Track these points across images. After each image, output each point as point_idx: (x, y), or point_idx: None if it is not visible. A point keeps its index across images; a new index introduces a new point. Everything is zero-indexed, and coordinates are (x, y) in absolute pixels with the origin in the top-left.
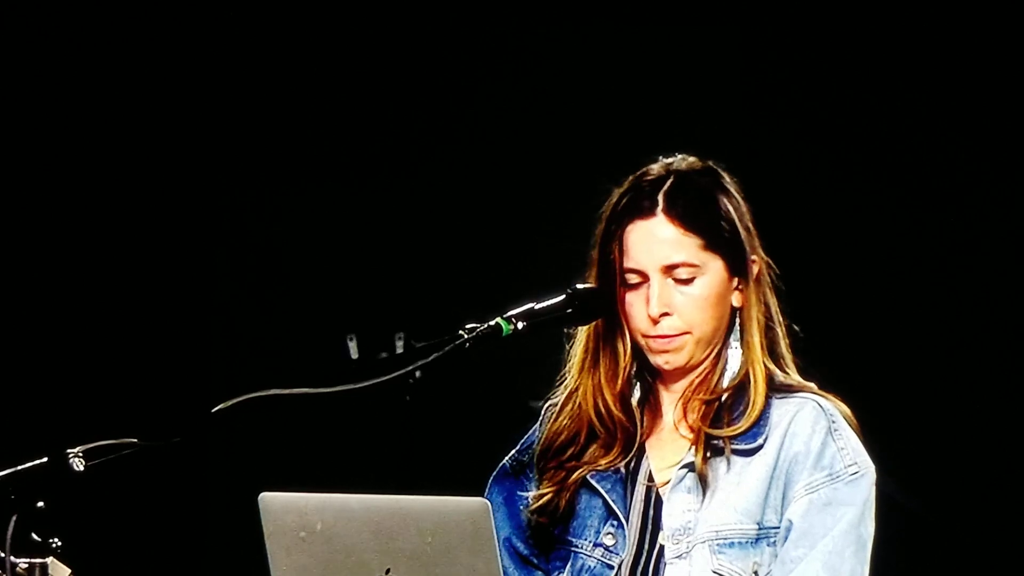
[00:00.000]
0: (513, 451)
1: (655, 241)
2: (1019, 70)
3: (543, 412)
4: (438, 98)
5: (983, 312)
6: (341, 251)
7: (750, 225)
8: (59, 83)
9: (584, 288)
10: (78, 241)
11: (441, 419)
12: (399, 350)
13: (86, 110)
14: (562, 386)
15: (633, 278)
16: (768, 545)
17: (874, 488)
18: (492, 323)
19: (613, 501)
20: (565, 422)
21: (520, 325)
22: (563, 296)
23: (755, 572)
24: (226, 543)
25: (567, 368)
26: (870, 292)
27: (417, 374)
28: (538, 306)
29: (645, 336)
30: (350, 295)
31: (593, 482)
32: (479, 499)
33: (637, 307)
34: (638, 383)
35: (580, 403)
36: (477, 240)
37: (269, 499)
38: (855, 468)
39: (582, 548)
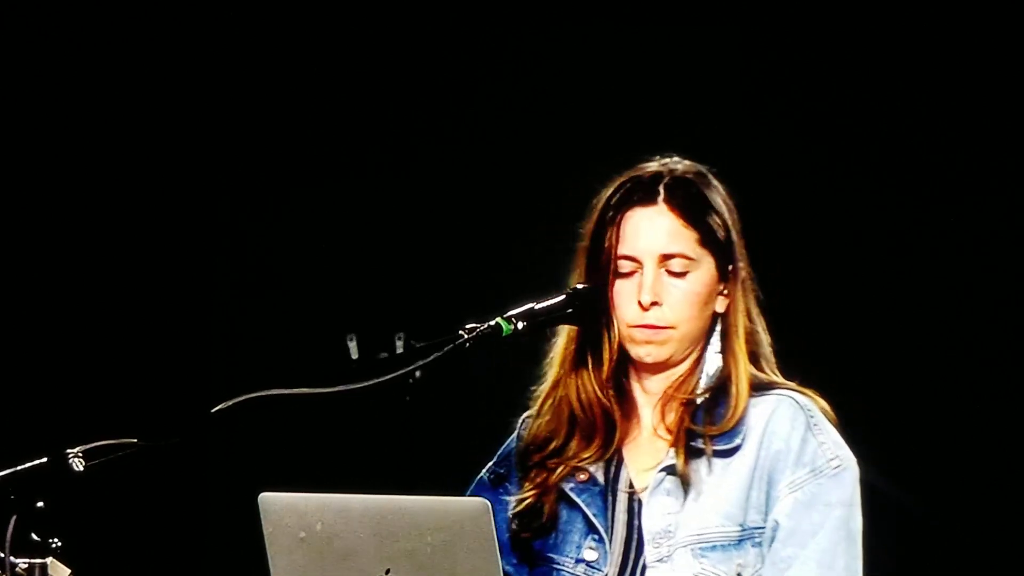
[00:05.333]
0: (490, 463)
1: (654, 229)
2: (1019, 70)
3: (520, 423)
4: (438, 98)
5: (975, 307)
6: (341, 251)
7: (739, 232)
8: (59, 85)
9: (584, 288)
10: (78, 242)
11: (441, 419)
12: (399, 350)
13: (86, 112)
14: (543, 385)
15: (626, 266)
16: (752, 546)
17: (858, 480)
18: (492, 323)
19: (593, 515)
20: (546, 418)
21: (520, 325)
22: (563, 296)
23: (739, 574)
24: (226, 543)
25: (546, 363)
26: (866, 289)
27: (417, 374)
28: (538, 306)
29: (631, 326)
30: (350, 295)
31: (572, 495)
32: (479, 499)
33: (626, 296)
34: (615, 385)
35: (562, 396)
36: (477, 240)
37: (269, 499)
38: (837, 462)
39: (564, 565)
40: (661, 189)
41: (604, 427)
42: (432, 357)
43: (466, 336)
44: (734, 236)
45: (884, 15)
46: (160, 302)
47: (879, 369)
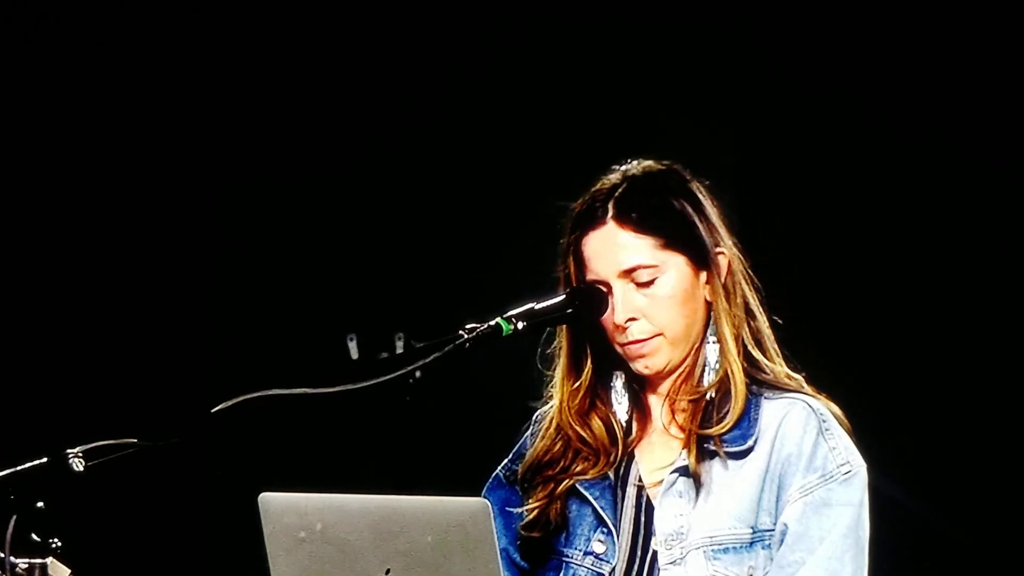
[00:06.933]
0: (505, 460)
1: (609, 248)
2: (1020, 70)
3: (533, 422)
4: (439, 98)
5: (983, 309)
6: (341, 251)
7: (713, 219)
8: (56, 85)
9: (584, 288)
10: (78, 241)
11: (441, 419)
12: (399, 350)
13: (86, 111)
14: (549, 409)
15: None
16: (763, 548)
17: (867, 486)
18: (492, 323)
19: (602, 508)
20: (550, 438)
21: (520, 325)
22: (563, 296)
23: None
24: (226, 543)
25: (550, 386)
26: (871, 290)
27: (417, 374)
28: (538, 306)
29: (620, 344)
30: (350, 295)
31: (582, 489)
32: (479, 499)
33: (606, 317)
34: (627, 393)
35: (563, 419)
36: (477, 240)
37: (269, 499)
38: (847, 467)
39: (573, 558)
40: (610, 206)
41: (603, 450)
42: (432, 357)
43: (466, 336)
44: (700, 225)
45: (887, 14)
46: (160, 302)
47: (891, 373)
